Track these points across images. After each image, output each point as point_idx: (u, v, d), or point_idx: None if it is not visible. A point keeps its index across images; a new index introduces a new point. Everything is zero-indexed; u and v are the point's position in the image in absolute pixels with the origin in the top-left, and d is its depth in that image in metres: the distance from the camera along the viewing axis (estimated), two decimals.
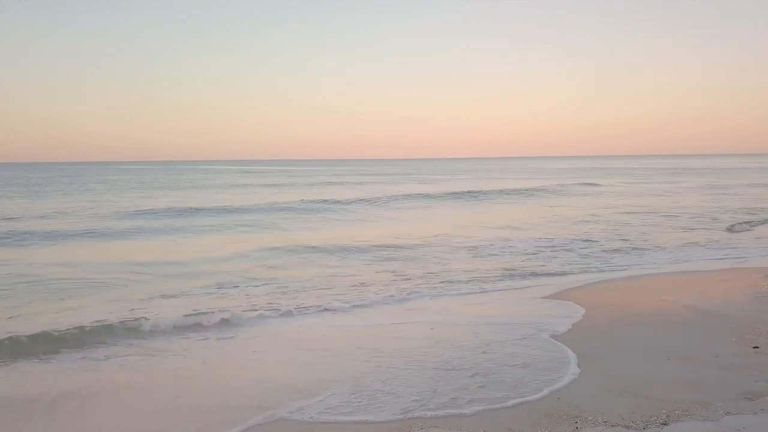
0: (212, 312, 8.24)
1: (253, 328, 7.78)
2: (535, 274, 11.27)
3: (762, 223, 19.50)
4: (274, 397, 5.38)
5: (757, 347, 6.34)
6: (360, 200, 30.82)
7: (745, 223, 19.45)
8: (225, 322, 7.90)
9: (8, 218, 22.78)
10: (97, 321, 7.81)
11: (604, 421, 4.61)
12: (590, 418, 4.68)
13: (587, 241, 15.56)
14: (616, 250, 13.97)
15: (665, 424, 4.54)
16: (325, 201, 29.58)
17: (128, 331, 7.50)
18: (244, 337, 7.43)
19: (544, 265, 12.15)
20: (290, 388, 5.59)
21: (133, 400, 5.41)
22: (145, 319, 7.83)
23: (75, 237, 17.57)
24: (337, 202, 29.57)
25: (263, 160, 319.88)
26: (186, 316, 8.09)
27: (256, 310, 8.60)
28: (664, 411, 4.76)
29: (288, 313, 8.49)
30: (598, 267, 11.98)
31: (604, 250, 13.99)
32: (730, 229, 17.88)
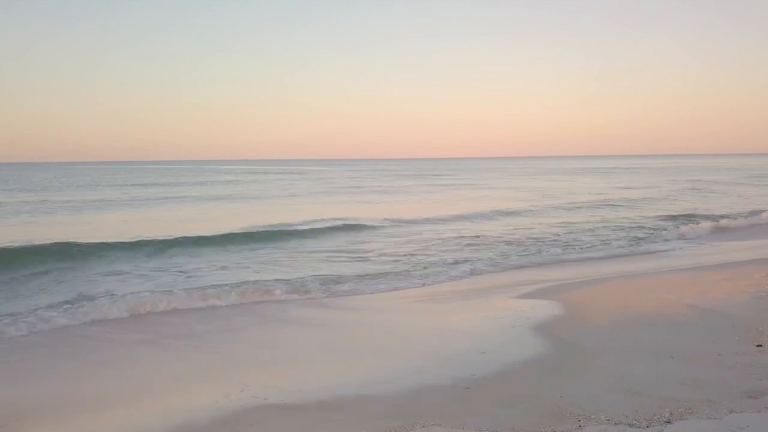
0: None
1: None
2: None
3: None
4: None
5: (761, 345, 6.31)
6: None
7: None
8: None
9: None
10: None
11: (608, 420, 4.59)
12: (593, 416, 4.66)
13: None
14: None
15: (669, 422, 4.51)
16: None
17: None
18: None
19: None
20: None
21: None
22: None
23: None
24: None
25: (266, 160, 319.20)
26: None
27: None
28: (667, 409, 4.73)
29: None
30: None
31: None
32: None
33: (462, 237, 17.28)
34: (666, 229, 18.27)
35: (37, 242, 14.55)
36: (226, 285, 10.55)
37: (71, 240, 14.77)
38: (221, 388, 5.64)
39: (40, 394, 5.72)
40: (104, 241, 15.34)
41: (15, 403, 5.47)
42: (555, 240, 16.51)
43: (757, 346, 6.31)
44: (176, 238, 15.70)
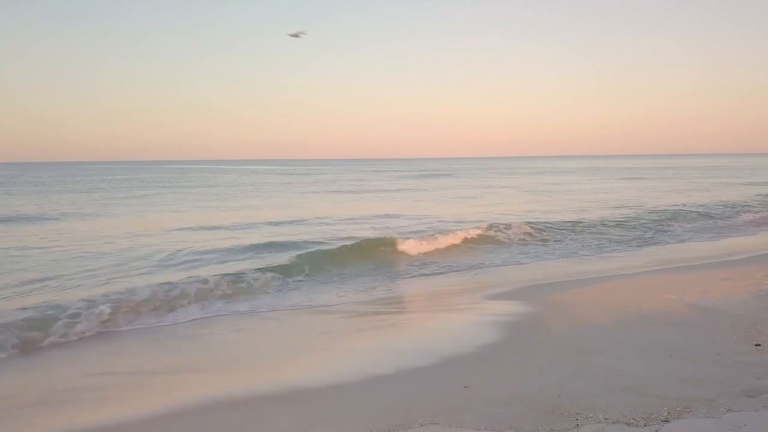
0: None
1: None
2: None
3: None
4: None
5: (759, 345, 6.32)
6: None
7: None
8: None
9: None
10: None
11: (605, 418, 4.60)
12: (591, 415, 4.67)
13: None
14: None
15: (666, 421, 4.52)
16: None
17: None
18: None
19: None
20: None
21: None
22: None
23: None
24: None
25: (268, 160, 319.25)
26: None
27: None
28: (665, 408, 4.74)
29: None
30: None
31: None
32: None
33: (464, 236, 17.25)
34: None
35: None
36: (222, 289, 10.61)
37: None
38: (220, 386, 5.67)
39: (48, 387, 5.78)
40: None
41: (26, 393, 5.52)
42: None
43: (756, 345, 6.32)
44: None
